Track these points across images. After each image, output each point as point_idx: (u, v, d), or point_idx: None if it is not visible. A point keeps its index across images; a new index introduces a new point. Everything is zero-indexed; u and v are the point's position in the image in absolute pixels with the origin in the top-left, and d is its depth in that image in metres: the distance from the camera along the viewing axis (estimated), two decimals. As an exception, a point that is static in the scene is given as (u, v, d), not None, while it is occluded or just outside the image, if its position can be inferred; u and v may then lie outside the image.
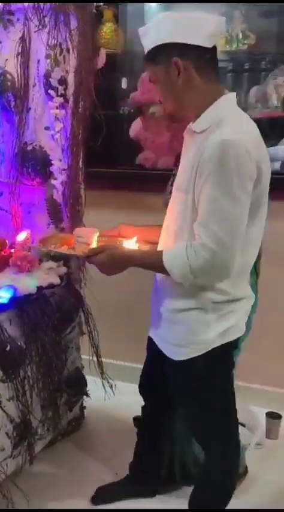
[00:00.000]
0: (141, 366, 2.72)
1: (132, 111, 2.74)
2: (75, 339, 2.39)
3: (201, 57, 1.44)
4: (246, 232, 1.44)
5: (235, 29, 2.51)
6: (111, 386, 2.37)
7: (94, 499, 2.06)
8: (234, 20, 2.52)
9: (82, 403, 2.51)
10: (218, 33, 1.47)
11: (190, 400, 1.68)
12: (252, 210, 1.44)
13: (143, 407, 2.03)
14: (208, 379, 1.59)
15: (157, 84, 1.53)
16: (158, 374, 1.75)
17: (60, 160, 2.27)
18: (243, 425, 2.35)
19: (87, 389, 2.46)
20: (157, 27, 1.45)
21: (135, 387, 2.63)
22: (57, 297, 2.23)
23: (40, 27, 2.19)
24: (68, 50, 2.21)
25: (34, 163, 2.31)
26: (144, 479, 2.07)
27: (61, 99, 2.22)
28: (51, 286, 2.19)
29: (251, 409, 2.48)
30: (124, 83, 2.69)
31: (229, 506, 1.74)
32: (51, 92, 2.22)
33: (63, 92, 2.23)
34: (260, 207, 1.49)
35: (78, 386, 2.40)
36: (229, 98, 1.49)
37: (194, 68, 1.44)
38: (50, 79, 2.21)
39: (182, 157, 1.58)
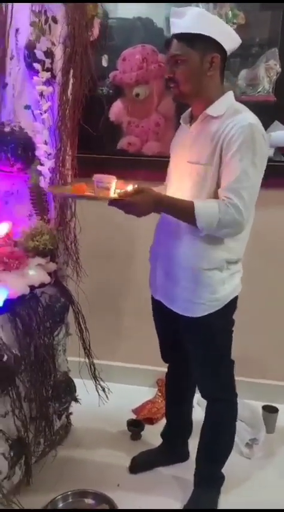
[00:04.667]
0: (132, 365, 2.64)
1: (111, 92, 2.52)
2: (62, 340, 2.18)
3: (224, 61, 1.72)
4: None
5: (223, 7, 2.37)
6: (103, 390, 2.20)
7: (132, 468, 2.13)
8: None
9: (68, 410, 2.31)
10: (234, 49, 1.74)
11: (205, 351, 1.82)
12: None
13: (167, 374, 2.14)
14: (222, 330, 1.82)
15: (182, 65, 1.67)
16: (175, 334, 1.87)
17: (47, 143, 2.03)
18: (242, 420, 2.30)
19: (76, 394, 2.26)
20: (200, 18, 1.65)
21: (125, 387, 2.54)
22: (47, 296, 2.01)
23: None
24: (54, 19, 1.97)
25: (14, 147, 2.05)
26: (177, 443, 2.18)
27: (48, 74, 1.98)
28: (42, 285, 1.97)
29: (248, 403, 2.41)
30: (104, 61, 2.46)
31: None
32: (36, 65, 1.97)
33: (49, 65, 1.99)
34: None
35: (67, 392, 2.20)
36: (232, 93, 1.76)
37: (219, 67, 1.70)
38: (35, 50, 1.96)
39: (189, 138, 1.77)
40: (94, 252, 2.34)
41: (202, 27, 1.63)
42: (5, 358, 1.69)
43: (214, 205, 1.61)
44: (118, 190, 1.67)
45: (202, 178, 1.69)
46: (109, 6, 2.48)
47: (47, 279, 1.99)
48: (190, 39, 1.64)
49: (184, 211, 1.65)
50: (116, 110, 2.49)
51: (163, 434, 2.19)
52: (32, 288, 1.90)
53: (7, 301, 1.76)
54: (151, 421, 2.38)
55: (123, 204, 1.61)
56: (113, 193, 1.67)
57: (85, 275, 2.15)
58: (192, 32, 1.63)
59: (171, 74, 1.70)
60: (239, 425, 2.22)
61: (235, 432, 1.97)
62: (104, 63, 2.46)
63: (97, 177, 1.68)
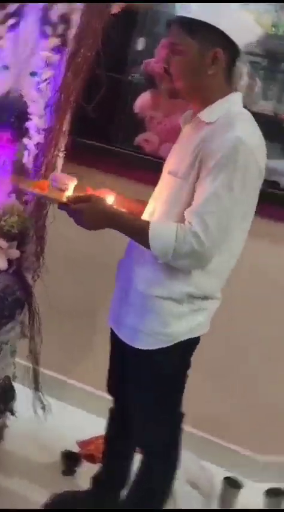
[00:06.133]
0: (88, 388, 2.33)
1: (144, 80, 2.25)
2: (11, 340, 1.91)
3: (234, 59, 1.46)
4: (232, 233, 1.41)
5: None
6: (43, 408, 1.92)
7: (48, 507, 1.77)
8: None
9: (4, 421, 2.03)
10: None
11: (144, 393, 1.56)
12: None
13: (111, 408, 1.82)
14: (167, 372, 1.53)
15: (179, 56, 1.42)
16: (122, 366, 1.63)
17: (41, 117, 1.79)
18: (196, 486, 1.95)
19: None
20: (213, 5, 1.39)
21: (75, 411, 2.24)
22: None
23: None
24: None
25: (8, 115, 1.83)
26: (108, 490, 1.83)
27: (57, 41, 1.74)
28: (-7, 270, 1.72)
29: (207, 468, 2.05)
30: (140, 44, 2.20)
31: None
32: (47, 28, 1.74)
33: (62, 32, 1.74)
34: (247, 215, 1.46)
35: (2, 399, 1.93)
36: (238, 97, 1.49)
37: (225, 65, 1.43)
38: (49, 11, 1.72)
39: (179, 143, 1.57)
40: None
41: (208, 15, 1.36)
42: None
43: (172, 231, 1.36)
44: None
45: (177, 194, 1.45)
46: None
47: (2, 265, 1.75)
48: (191, 27, 1.38)
49: (139, 233, 1.41)
50: (142, 101, 2.22)
51: (95, 477, 1.86)
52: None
53: None
54: (94, 459, 2.04)
55: (70, 211, 1.42)
56: (65, 197, 1.46)
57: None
58: (195, 18, 1.36)
59: (165, 65, 1.51)
60: (190, 494, 1.88)
61: (165, 499, 1.65)
62: (139, 47, 2.20)
63: (54, 175, 1.51)
